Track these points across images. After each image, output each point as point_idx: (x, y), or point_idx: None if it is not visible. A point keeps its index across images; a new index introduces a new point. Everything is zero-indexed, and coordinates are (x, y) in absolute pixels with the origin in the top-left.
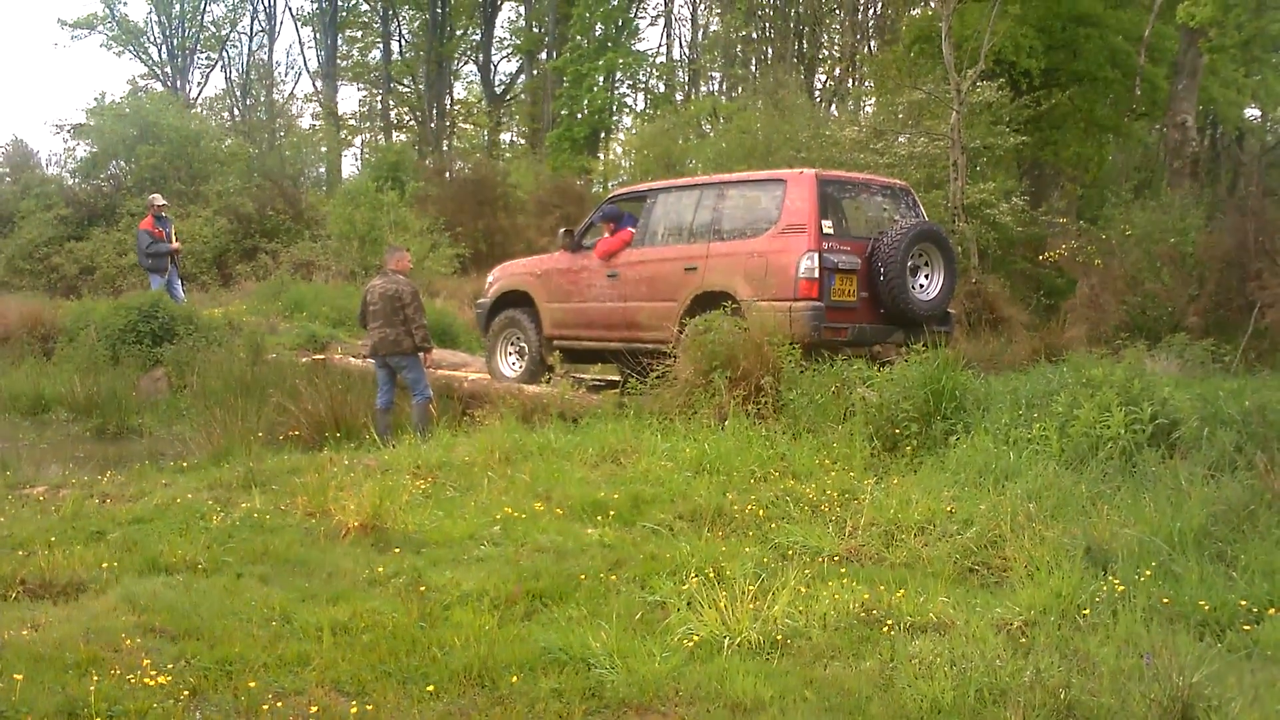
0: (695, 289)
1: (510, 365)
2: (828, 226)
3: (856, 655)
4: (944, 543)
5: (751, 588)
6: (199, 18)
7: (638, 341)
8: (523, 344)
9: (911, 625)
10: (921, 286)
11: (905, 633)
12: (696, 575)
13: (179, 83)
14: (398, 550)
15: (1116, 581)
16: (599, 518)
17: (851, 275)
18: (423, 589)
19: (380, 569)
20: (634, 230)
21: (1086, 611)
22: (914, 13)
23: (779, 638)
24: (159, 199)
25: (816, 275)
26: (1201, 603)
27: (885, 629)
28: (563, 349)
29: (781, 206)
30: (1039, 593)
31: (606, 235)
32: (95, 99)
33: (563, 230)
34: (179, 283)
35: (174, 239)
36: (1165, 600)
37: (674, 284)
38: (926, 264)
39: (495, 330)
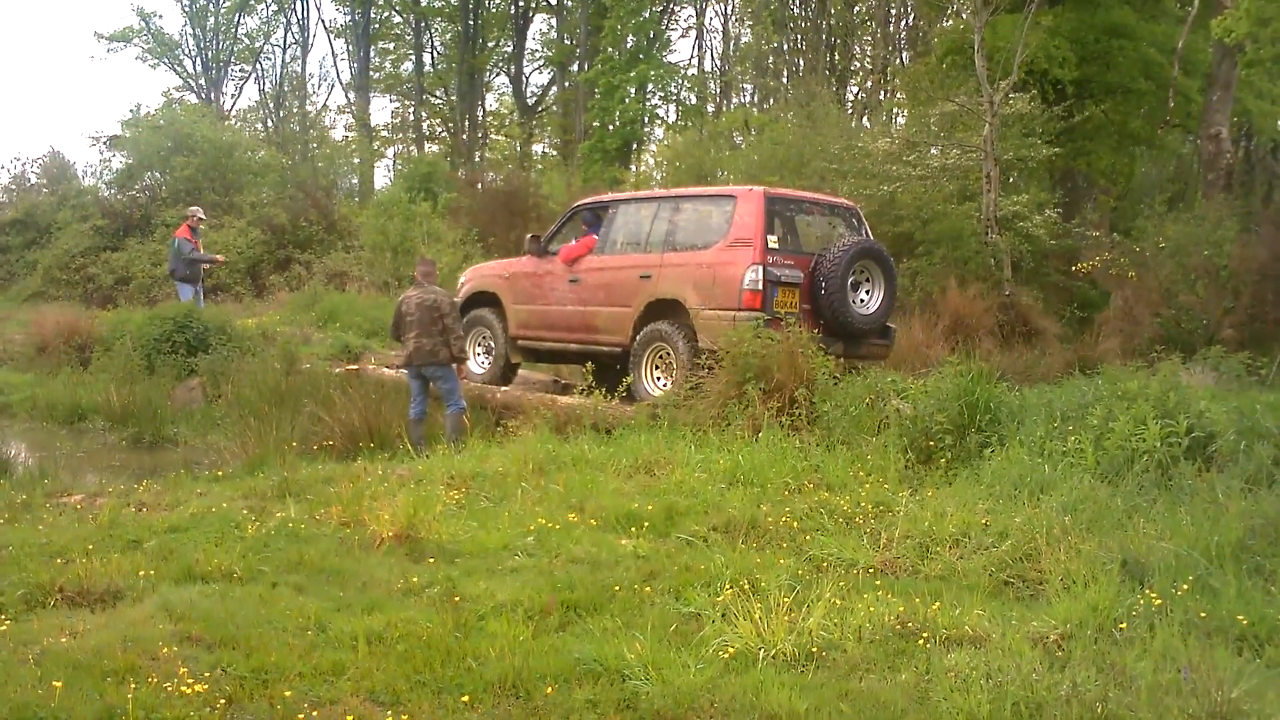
0: (649, 296)
1: (479, 363)
2: (773, 241)
3: (892, 668)
4: (979, 555)
5: (786, 600)
6: (233, 30)
7: (595, 344)
8: (490, 343)
9: (947, 638)
10: (862, 301)
11: (940, 646)
12: (731, 587)
13: (213, 95)
14: (432, 560)
15: (1153, 595)
16: (633, 529)
17: (794, 288)
18: (457, 599)
19: (415, 579)
20: (597, 237)
21: (1123, 625)
22: (946, 24)
23: (814, 650)
24: (199, 212)
25: (760, 287)
26: (1240, 617)
27: (920, 642)
28: (525, 349)
29: (731, 221)
30: (1075, 606)
31: (573, 241)
32: (131, 111)
33: (529, 236)
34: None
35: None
36: (1203, 615)
37: (630, 290)
38: (868, 280)
39: (465, 329)
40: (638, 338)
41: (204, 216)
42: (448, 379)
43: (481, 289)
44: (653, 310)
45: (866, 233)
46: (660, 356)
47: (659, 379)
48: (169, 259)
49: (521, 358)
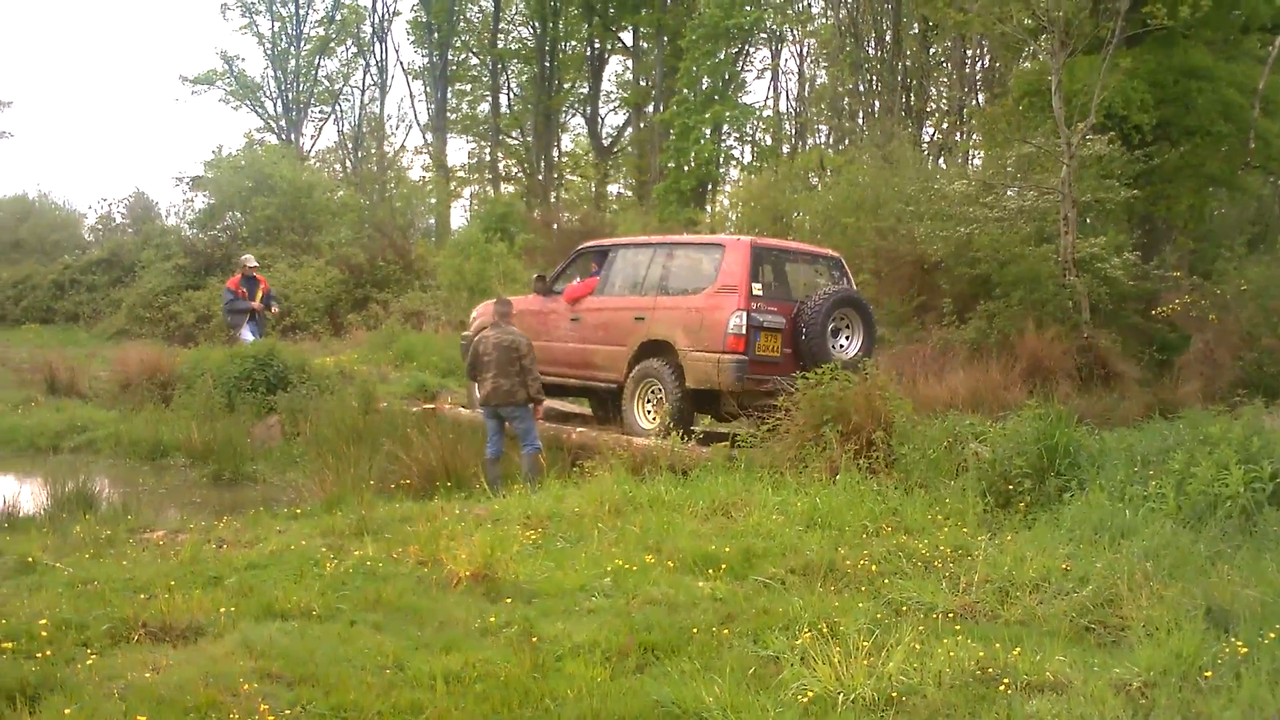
0: (642, 336)
1: None
2: (758, 289)
3: (973, 714)
4: (1059, 600)
5: (865, 643)
6: (313, 73)
7: (593, 380)
8: None
9: (1028, 684)
10: (842, 346)
11: (1022, 692)
12: (809, 630)
13: (293, 135)
14: (509, 600)
15: (1239, 643)
16: (710, 571)
17: (776, 333)
18: (534, 639)
19: (492, 619)
20: (597, 279)
21: (1208, 674)
22: (1023, 66)
23: (894, 695)
24: (251, 260)
25: (744, 331)
26: None
27: (1001, 688)
28: None
29: (719, 268)
30: (1158, 653)
31: (576, 281)
32: (213, 152)
33: (536, 275)
34: (249, 335)
35: (257, 298)
36: None
37: (625, 331)
38: (847, 326)
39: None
40: (631, 374)
41: (256, 264)
42: (524, 419)
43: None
44: (645, 349)
45: (849, 281)
46: (651, 392)
47: (650, 413)
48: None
49: None
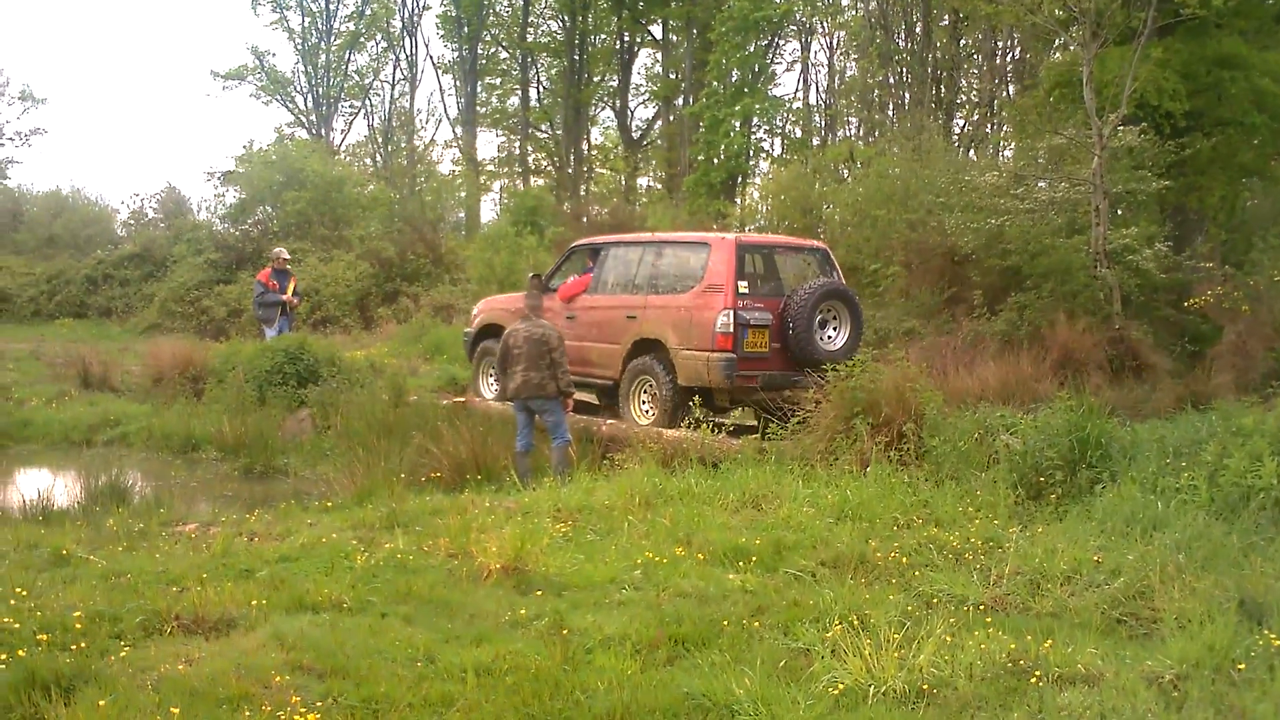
0: (635, 335)
1: (489, 386)
2: (744, 287)
3: (1004, 706)
4: (1091, 593)
5: (896, 636)
6: (343, 67)
7: (589, 376)
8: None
9: (1059, 677)
10: (830, 338)
11: (1053, 684)
12: (840, 623)
13: (323, 130)
14: (539, 593)
15: (1272, 636)
16: (740, 563)
17: (764, 329)
18: (565, 632)
19: (522, 611)
20: (590, 276)
21: (1241, 666)
22: (1054, 57)
23: (925, 687)
24: (284, 253)
25: (731, 330)
26: None
27: (1033, 680)
28: None
29: (705, 267)
30: (1191, 646)
31: (570, 279)
32: (244, 147)
33: (531, 274)
34: (284, 328)
35: (288, 291)
36: None
37: (619, 329)
38: (835, 318)
39: (476, 357)
40: (626, 371)
41: (288, 257)
42: (554, 412)
43: (491, 321)
44: (639, 347)
45: (837, 273)
46: (647, 389)
47: (646, 409)
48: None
49: None
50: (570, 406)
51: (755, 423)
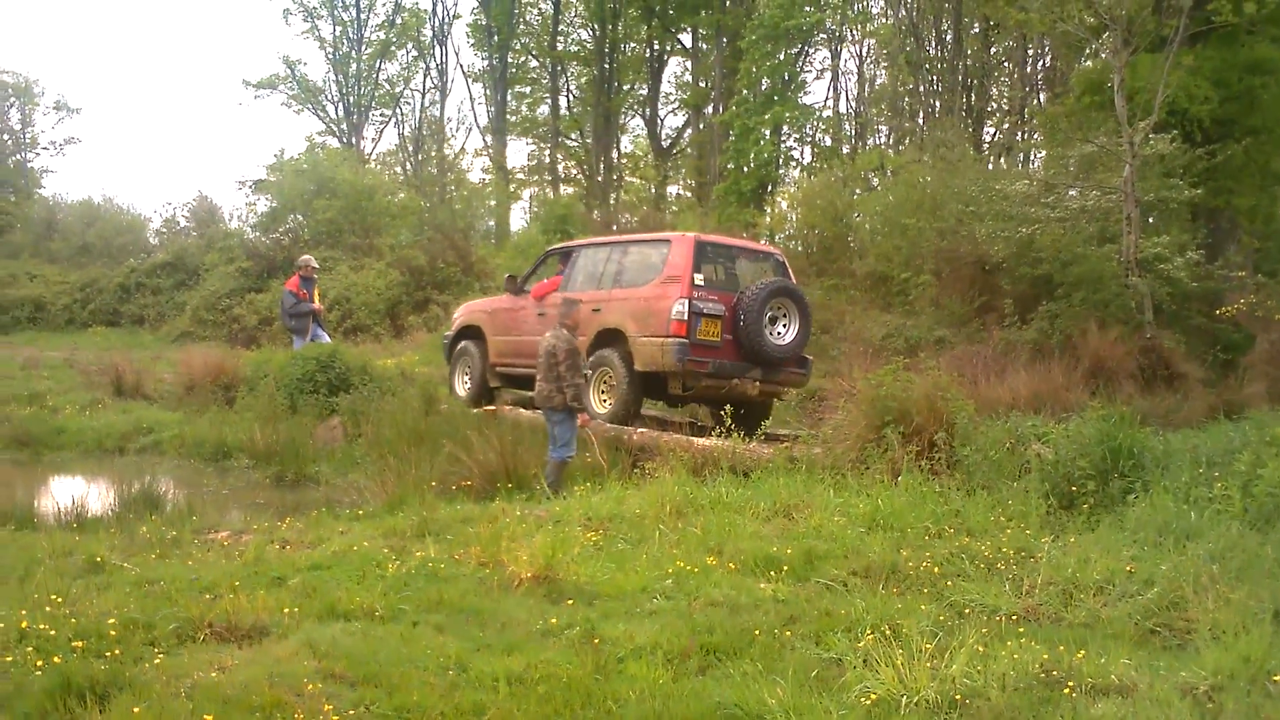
0: (599, 326)
1: (463, 385)
2: (699, 279)
3: (1037, 717)
4: (1124, 603)
5: (928, 646)
6: (374, 76)
7: None
8: (469, 369)
9: (1093, 687)
10: (779, 334)
11: (1087, 695)
12: (872, 632)
13: (354, 139)
14: (570, 602)
15: None
16: (772, 573)
17: (717, 320)
18: (596, 641)
19: (553, 620)
20: (562, 277)
21: (1277, 677)
22: (1084, 65)
23: (957, 697)
24: (313, 261)
25: (685, 318)
26: None
27: (1066, 691)
28: (502, 375)
29: (665, 261)
30: (1226, 656)
31: (543, 281)
32: (275, 156)
33: (507, 276)
34: (324, 335)
35: (315, 299)
36: None
37: (585, 322)
38: (785, 315)
39: (454, 357)
40: (589, 362)
41: (317, 266)
42: (561, 424)
43: (469, 323)
44: (601, 339)
45: (789, 276)
46: (605, 380)
47: (604, 399)
48: (280, 310)
49: (499, 382)
50: (585, 421)
51: (711, 423)
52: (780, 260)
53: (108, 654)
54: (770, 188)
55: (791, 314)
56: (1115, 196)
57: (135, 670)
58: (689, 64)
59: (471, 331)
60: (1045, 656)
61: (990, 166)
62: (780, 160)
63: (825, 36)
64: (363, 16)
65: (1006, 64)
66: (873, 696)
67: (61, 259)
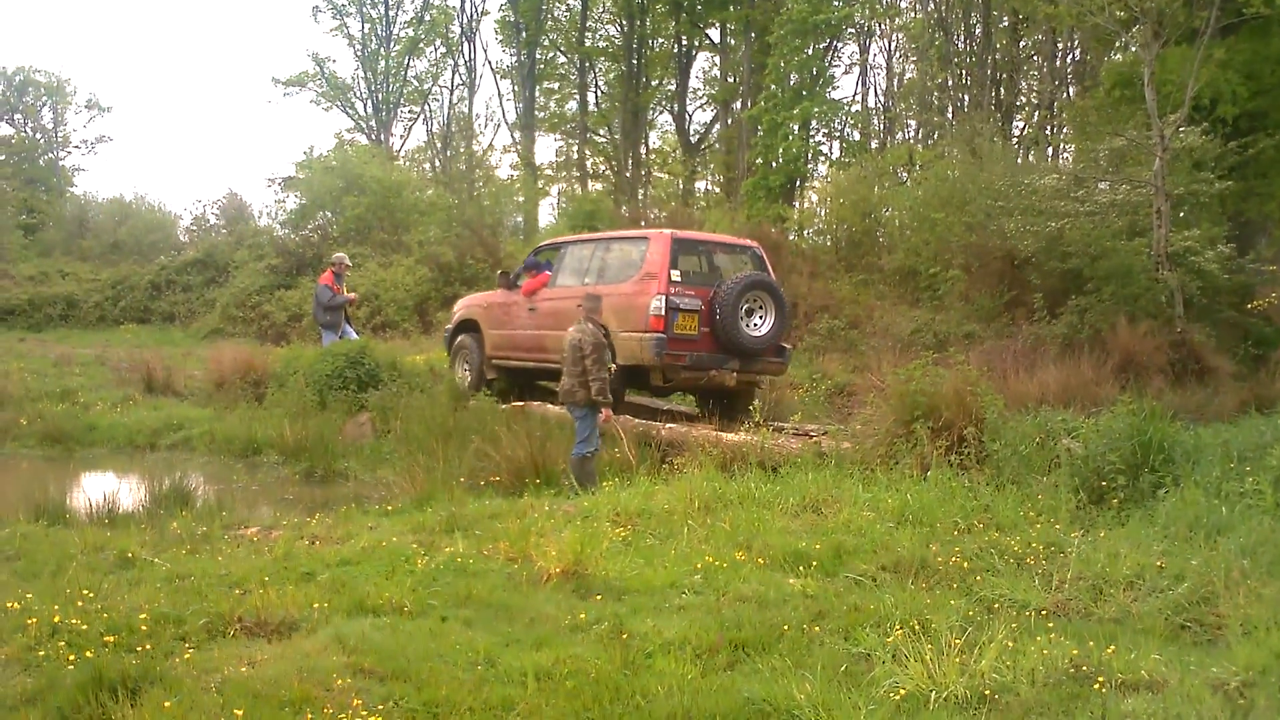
0: None
1: (463, 377)
2: (676, 275)
3: (1067, 713)
4: (1154, 598)
5: (958, 641)
6: (403, 73)
7: (546, 362)
8: (469, 360)
9: (1123, 683)
10: (755, 325)
11: (1117, 691)
12: (901, 627)
13: (383, 136)
14: (599, 597)
15: None
16: (801, 568)
17: (694, 314)
18: (625, 636)
19: (582, 615)
20: (550, 273)
21: None
22: (1114, 58)
23: (987, 693)
24: (346, 259)
25: (663, 313)
26: None
27: (1096, 686)
28: (497, 366)
29: (644, 258)
30: (1258, 652)
31: (529, 277)
32: (304, 153)
33: (500, 272)
34: (352, 332)
35: (345, 290)
36: None
37: (570, 317)
38: (761, 308)
39: (454, 350)
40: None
41: (349, 263)
42: (584, 420)
43: (467, 317)
44: None
45: (767, 269)
46: None
47: None
48: (312, 306)
49: (495, 374)
50: (608, 417)
51: (698, 410)
52: (758, 253)
53: (139, 649)
54: (799, 183)
55: (767, 306)
56: (1145, 190)
57: (166, 665)
58: (717, 59)
59: (469, 325)
60: (1075, 652)
61: (1019, 161)
62: (809, 155)
63: (854, 31)
64: (391, 13)
65: (1036, 58)
66: (901, 692)
67: (93, 257)
